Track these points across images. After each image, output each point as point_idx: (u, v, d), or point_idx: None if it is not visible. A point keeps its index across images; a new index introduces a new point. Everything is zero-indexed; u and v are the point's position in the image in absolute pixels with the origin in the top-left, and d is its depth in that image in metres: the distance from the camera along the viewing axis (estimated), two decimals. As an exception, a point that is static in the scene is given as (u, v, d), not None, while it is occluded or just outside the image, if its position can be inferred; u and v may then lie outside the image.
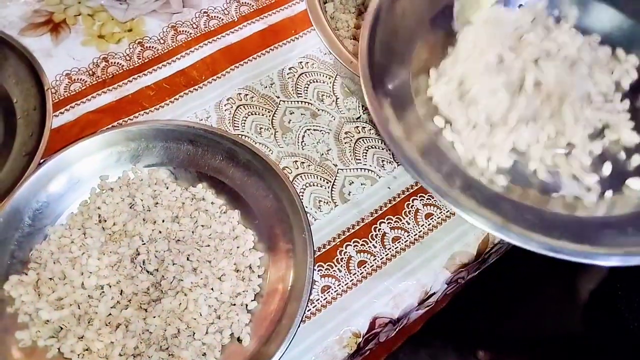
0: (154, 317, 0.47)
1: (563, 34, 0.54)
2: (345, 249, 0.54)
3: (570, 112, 0.50)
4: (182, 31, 0.65)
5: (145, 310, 0.47)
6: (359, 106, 0.62)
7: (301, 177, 0.57)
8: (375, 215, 0.56)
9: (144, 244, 0.50)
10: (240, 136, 0.58)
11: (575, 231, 0.44)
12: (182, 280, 0.48)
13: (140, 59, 0.63)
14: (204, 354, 0.46)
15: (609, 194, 0.48)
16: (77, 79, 0.61)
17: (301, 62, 0.64)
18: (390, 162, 0.59)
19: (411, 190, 0.57)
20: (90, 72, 0.61)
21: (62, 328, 0.46)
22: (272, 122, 0.60)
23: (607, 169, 0.49)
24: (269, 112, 0.61)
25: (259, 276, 0.50)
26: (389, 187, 0.57)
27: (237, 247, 0.51)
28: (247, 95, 0.62)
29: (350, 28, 0.64)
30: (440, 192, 0.42)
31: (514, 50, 0.53)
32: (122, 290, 0.48)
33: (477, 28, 0.54)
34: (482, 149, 0.48)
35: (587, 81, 0.52)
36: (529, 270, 0.83)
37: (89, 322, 0.46)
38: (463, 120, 0.49)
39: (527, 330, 0.95)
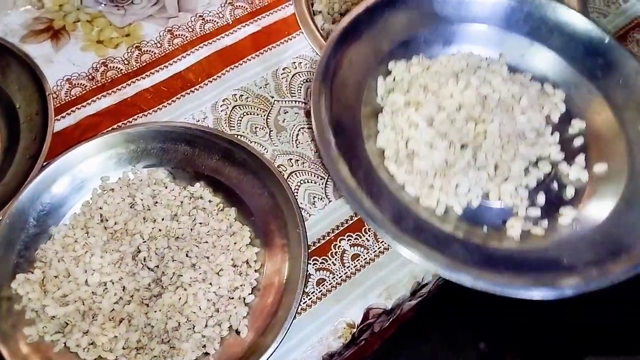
0: (155, 311, 0.49)
1: (496, 77, 0.57)
2: (340, 242, 0.56)
3: (507, 154, 0.53)
4: (179, 35, 0.67)
5: (147, 305, 0.49)
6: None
7: (296, 174, 0.59)
8: (368, 209, 0.57)
9: (145, 241, 0.52)
10: (236, 136, 0.60)
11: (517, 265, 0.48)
12: (181, 275, 0.50)
13: (138, 62, 0.65)
14: (204, 346, 0.48)
15: (544, 223, 0.51)
16: (78, 84, 0.63)
17: (294, 63, 0.66)
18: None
19: (403, 185, 0.59)
20: (90, 76, 0.63)
21: (67, 323, 0.48)
22: (267, 121, 0.62)
23: (541, 199, 0.53)
24: (263, 111, 0.63)
25: (255, 270, 0.52)
26: (381, 183, 0.59)
27: (234, 243, 0.53)
28: (242, 96, 0.63)
29: None
30: (391, 234, 0.45)
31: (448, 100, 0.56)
32: (124, 287, 0.50)
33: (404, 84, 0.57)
34: (431, 191, 0.51)
35: (521, 120, 0.55)
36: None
37: (93, 318, 0.48)
38: (409, 168, 0.52)
39: (525, 324, 0.96)
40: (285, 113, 0.63)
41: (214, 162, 0.56)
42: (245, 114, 0.62)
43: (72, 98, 0.62)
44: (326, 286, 0.53)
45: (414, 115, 0.54)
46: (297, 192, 0.58)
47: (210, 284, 0.50)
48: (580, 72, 0.58)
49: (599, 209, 0.52)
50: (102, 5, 0.68)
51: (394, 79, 0.58)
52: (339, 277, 0.54)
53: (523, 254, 0.49)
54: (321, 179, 0.59)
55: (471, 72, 0.58)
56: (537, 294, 0.44)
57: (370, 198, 0.47)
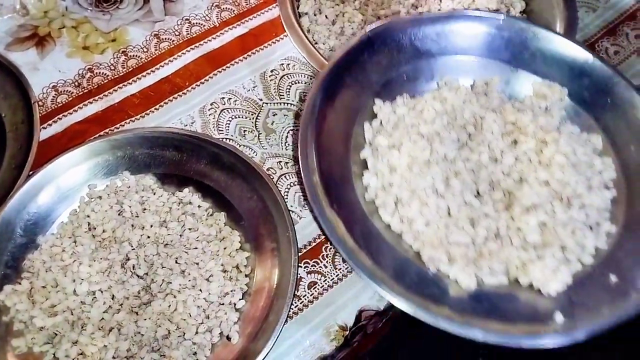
0: (145, 319, 0.48)
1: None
2: (331, 245, 0.55)
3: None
4: (165, 39, 0.67)
5: (137, 313, 0.49)
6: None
7: (285, 176, 0.58)
8: (359, 211, 0.57)
9: (133, 249, 0.52)
10: (224, 139, 0.59)
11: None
12: (171, 282, 0.50)
13: (124, 68, 0.64)
14: (195, 353, 0.48)
15: None
16: (64, 91, 0.62)
17: (282, 64, 0.66)
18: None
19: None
20: (76, 83, 0.63)
21: (56, 334, 0.48)
22: (255, 124, 0.62)
23: None
24: (252, 114, 0.62)
25: (246, 275, 0.52)
26: (371, 183, 0.58)
27: (224, 248, 0.52)
28: (230, 99, 0.63)
29: (327, 40, 0.65)
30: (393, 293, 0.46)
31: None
32: (113, 295, 0.49)
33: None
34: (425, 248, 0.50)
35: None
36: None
37: (82, 327, 0.48)
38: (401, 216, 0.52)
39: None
40: (274, 115, 0.62)
41: (202, 166, 0.56)
42: (233, 117, 0.62)
43: (58, 105, 0.61)
44: (318, 289, 0.53)
45: (394, 158, 0.53)
46: (287, 195, 0.57)
47: (200, 290, 0.50)
48: (568, 96, 0.58)
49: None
50: (88, 10, 0.68)
51: (380, 122, 0.57)
52: (331, 280, 0.53)
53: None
54: (311, 181, 0.58)
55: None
56: (550, 341, 0.44)
57: (371, 256, 0.47)
